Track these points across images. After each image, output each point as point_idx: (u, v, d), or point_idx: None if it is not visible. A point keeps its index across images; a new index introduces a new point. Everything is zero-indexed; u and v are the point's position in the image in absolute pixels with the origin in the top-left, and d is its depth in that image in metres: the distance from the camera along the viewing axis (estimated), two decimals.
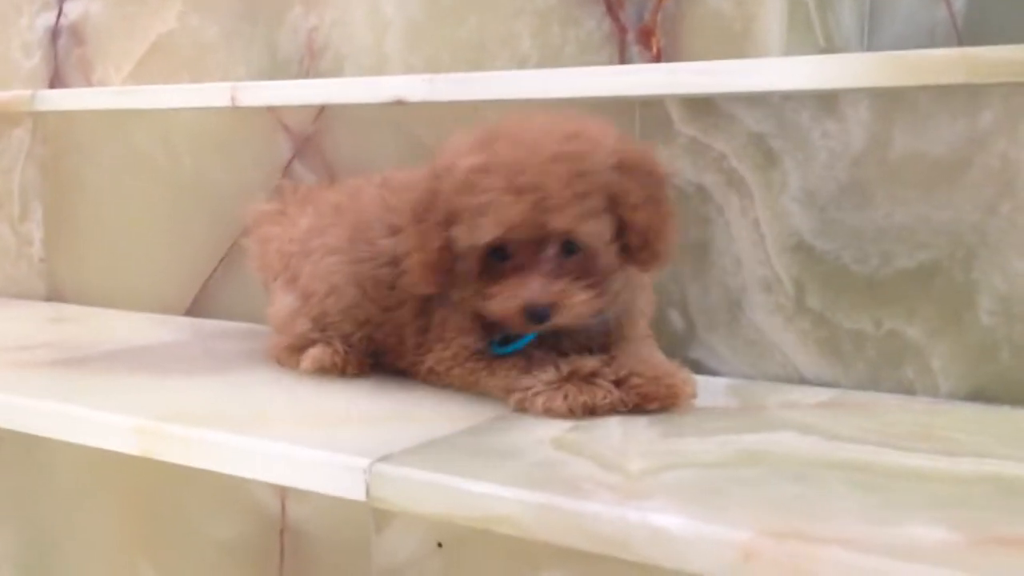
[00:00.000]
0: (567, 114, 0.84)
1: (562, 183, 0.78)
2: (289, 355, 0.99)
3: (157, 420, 0.80)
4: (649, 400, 0.82)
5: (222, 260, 1.29)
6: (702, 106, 0.96)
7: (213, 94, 1.28)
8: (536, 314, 0.79)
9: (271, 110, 1.24)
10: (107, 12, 1.54)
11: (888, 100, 0.88)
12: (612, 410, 0.81)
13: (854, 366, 0.91)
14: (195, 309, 1.32)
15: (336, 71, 1.34)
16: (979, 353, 0.86)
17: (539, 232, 0.79)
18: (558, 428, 0.78)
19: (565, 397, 0.80)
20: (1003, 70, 0.83)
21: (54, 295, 1.46)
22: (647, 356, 0.85)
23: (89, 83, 1.56)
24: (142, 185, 1.36)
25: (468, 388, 0.87)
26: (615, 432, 0.78)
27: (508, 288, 0.80)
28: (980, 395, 0.86)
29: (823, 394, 0.90)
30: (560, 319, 0.80)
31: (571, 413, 0.80)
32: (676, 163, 0.97)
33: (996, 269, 0.85)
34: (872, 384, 0.90)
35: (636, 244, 0.82)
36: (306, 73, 1.36)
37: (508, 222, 0.78)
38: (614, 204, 0.80)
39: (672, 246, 0.84)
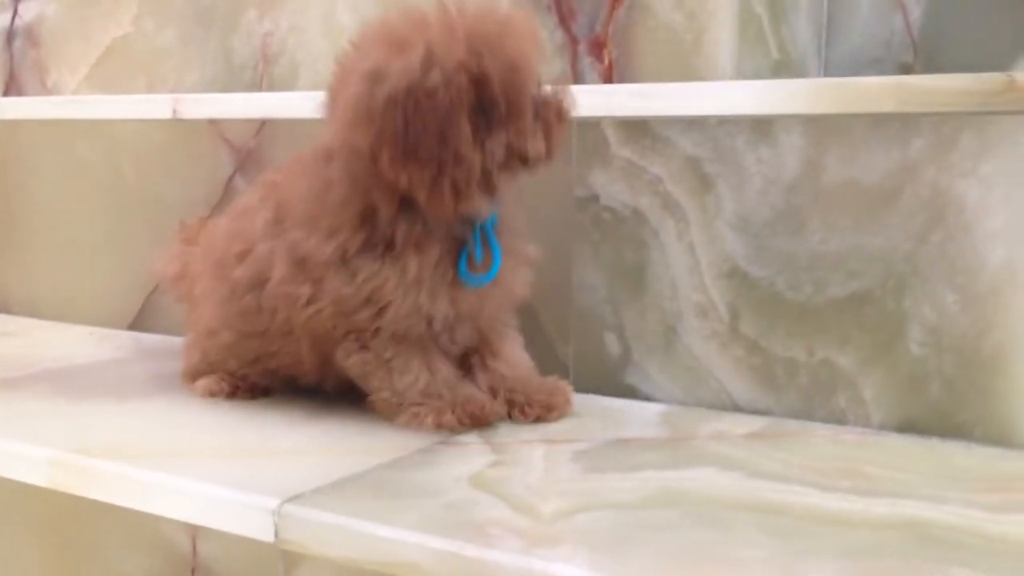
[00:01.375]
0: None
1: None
2: (184, 381, 1.00)
3: (70, 452, 0.78)
4: (526, 414, 0.88)
5: None
6: (638, 128, 0.95)
7: (155, 106, 1.26)
8: None
9: (212, 123, 1.22)
10: (62, 15, 1.51)
11: (822, 127, 0.87)
12: (497, 417, 0.87)
13: (787, 394, 0.90)
14: (139, 323, 1.30)
15: (291, 77, 1.32)
16: (910, 384, 0.85)
17: None
18: (480, 463, 0.77)
19: (452, 410, 0.85)
20: (934, 99, 0.82)
21: None
22: (523, 370, 0.91)
23: (44, 86, 1.54)
24: (86, 196, 1.34)
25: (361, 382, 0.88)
26: (538, 466, 0.77)
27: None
28: (911, 426, 0.85)
29: (755, 423, 0.89)
30: None
31: (460, 424, 0.85)
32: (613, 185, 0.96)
33: (926, 299, 0.84)
34: (805, 413, 0.89)
35: None
36: (260, 79, 1.34)
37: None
38: None
39: None
